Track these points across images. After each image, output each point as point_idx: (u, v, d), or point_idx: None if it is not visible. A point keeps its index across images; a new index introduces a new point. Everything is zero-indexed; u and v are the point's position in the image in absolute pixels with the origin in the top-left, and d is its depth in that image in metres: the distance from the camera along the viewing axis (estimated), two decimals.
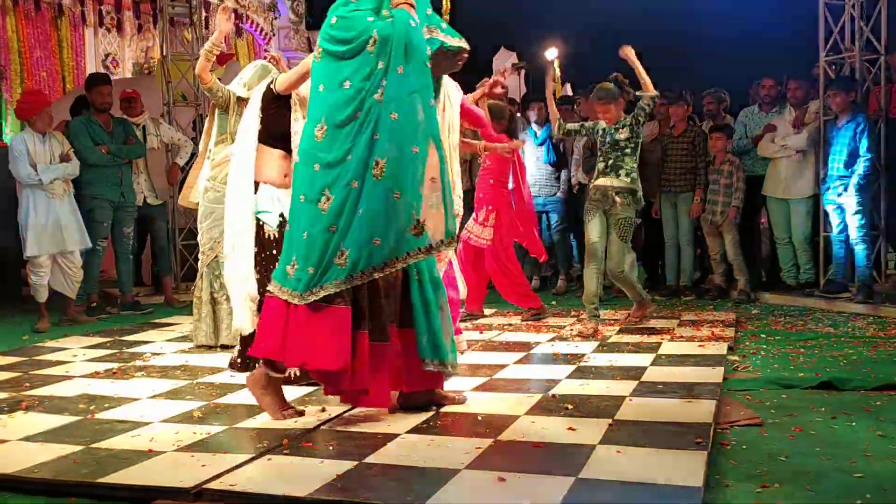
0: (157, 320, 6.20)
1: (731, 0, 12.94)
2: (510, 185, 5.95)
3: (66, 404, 3.64)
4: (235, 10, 11.62)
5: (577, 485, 2.48)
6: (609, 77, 5.24)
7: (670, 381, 3.78)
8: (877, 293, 5.95)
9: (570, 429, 3.05)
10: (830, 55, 6.48)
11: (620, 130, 5.14)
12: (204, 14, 9.24)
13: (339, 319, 3.12)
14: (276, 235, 3.87)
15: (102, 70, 9.74)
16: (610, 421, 3.14)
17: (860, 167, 5.95)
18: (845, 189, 6.00)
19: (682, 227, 6.86)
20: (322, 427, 3.20)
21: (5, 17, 9.08)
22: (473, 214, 5.87)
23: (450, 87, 4.40)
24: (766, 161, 6.66)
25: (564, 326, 5.46)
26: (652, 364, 4.20)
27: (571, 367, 4.17)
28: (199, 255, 4.91)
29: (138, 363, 4.57)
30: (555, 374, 4.02)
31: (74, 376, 4.25)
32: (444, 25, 3.34)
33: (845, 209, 6.04)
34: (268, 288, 3.29)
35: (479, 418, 3.25)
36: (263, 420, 3.33)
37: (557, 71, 5.54)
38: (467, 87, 5.45)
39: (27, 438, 3.13)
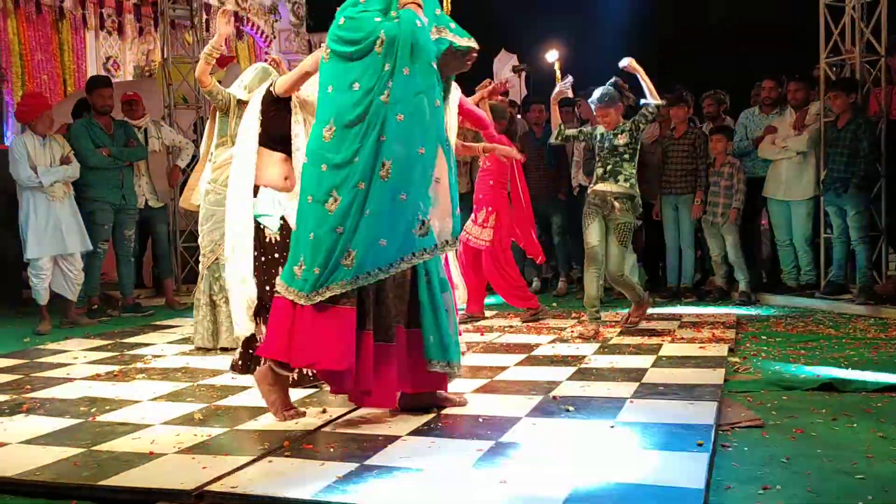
0: (158, 322, 6.21)
1: (731, 0, 12.94)
2: (508, 187, 5.96)
3: (67, 407, 3.65)
4: (236, 13, 11.64)
5: (578, 486, 2.47)
6: (608, 81, 5.24)
7: (671, 383, 3.78)
8: (877, 294, 5.95)
9: (570, 430, 3.05)
10: (831, 57, 6.48)
11: (619, 136, 5.14)
12: (205, 16, 9.26)
13: (344, 320, 3.14)
14: (278, 238, 3.87)
15: (103, 73, 9.75)
16: (611, 423, 3.14)
17: (860, 168, 5.94)
18: (845, 190, 5.99)
19: (683, 229, 6.86)
20: (323, 429, 3.20)
21: (6, 20, 9.09)
22: (472, 216, 5.87)
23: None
24: (766, 163, 6.66)
25: (565, 328, 5.45)
26: (653, 366, 4.20)
27: (572, 369, 4.16)
28: (200, 258, 4.92)
29: (139, 365, 4.58)
30: (556, 375, 4.02)
31: (75, 378, 4.25)
32: (453, 25, 3.33)
33: (846, 210, 6.04)
34: (276, 288, 3.31)
35: (480, 420, 3.25)
36: (264, 422, 3.33)
37: (559, 73, 5.52)
38: (468, 88, 5.46)
39: (28, 441, 3.14)
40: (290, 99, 3.95)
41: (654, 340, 4.91)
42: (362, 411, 3.42)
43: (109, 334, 5.68)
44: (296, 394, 3.74)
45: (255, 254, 3.88)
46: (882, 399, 3.53)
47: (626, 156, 5.14)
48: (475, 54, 3.36)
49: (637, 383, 3.81)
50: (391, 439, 3.00)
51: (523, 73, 11.32)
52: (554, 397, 3.58)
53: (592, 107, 5.31)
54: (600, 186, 5.19)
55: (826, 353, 4.50)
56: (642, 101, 5.09)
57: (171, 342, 5.31)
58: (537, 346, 4.87)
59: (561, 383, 3.85)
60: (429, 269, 3.30)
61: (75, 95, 8.51)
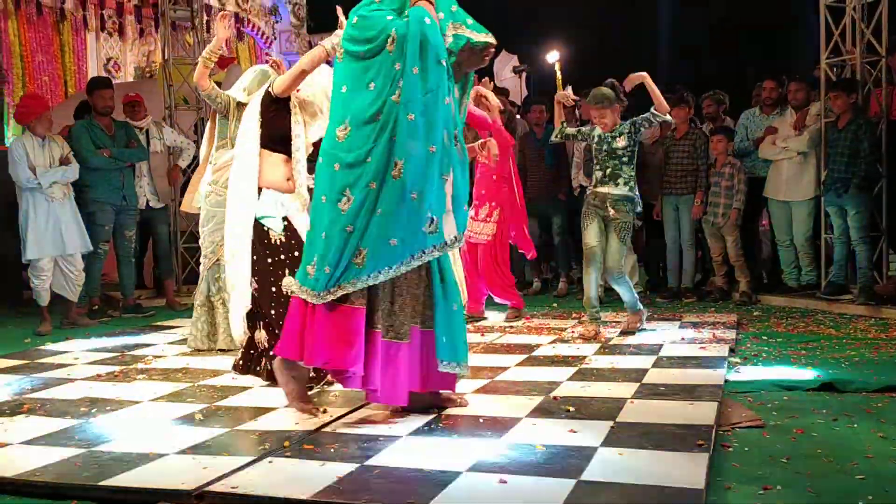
0: (158, 323, 6.21)
1: (731, 1, 12.94)
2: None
3: (68, 407, 3.65)
4: (237, 14, 11.65)
5: (578, 487, 2.47)
6: (605, 82, 5.23)
7: (672, 383, 3.78)
8: (878, 295, 5.95)
9: (571, 431, 3.05)
10: (831, 57, 6.48)
11: (618, 139, 5.13)
12: (205, 18, 9.26)
13: (354, 319, 3.16)
14: (282, 240, 3.87)
15: (104, 74, 9.75)
16: (611, 423, 3.14)
17: (861, 169, 5.94)
18: (846, 190, 5.99)
19: (684, 230, 6.86)
20: (324, 429, 3.19)
21: (7, 21, 9.09)
22: (472, 212, 5.87)
23: None
24: (767, 163, 6.67)
25: (566, 329, 5.45)
26: (653, 366, 4.20)
27: (573, 370, 4.16)
28: (201, 259, 4.92)
29: (140, 366, 4.58)
30: (556, 376, 4.02)
31: (76, 379, 4.25)
32: (470, 21, 3.33)
33: (846, 210, 6.04)
34: (291, 288, 3.32)
35: (481, 420, 3.25)
36: (265, 422, 3.33)
37: (559, 74, 5.53)
38: None
39: (29, 442, 3.14)
40: (289, 99, 3.96)
41: (655, 341, 4.90)
42: (363, 412, 3.42)
43: (110, 335, 5.68)
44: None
45: (256, 257, 3.87)
46: (882, 399, 3.53)
47: (625, 158, 5.13)
48: (493, 49, 3.36)
49: (637, 383, 3.80)
50: (391, 439, 3.00)
51: (524, 74, 11.33)
52: (554, 398, 3.58)
53: (590, 108, 5.31)
54: (600, 189, 5.19)
55: (826, 353, 4.50)
56: (652, 110, 5.05)
57: (171, 343, 5.32)
58: (538, 346, 4.87)
59: (561, 384, 3.85)
60: (443, 268, 3.32)
61: (76, 97, 8.51)
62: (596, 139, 5.24)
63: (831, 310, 6.01)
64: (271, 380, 3.94)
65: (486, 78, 6.14)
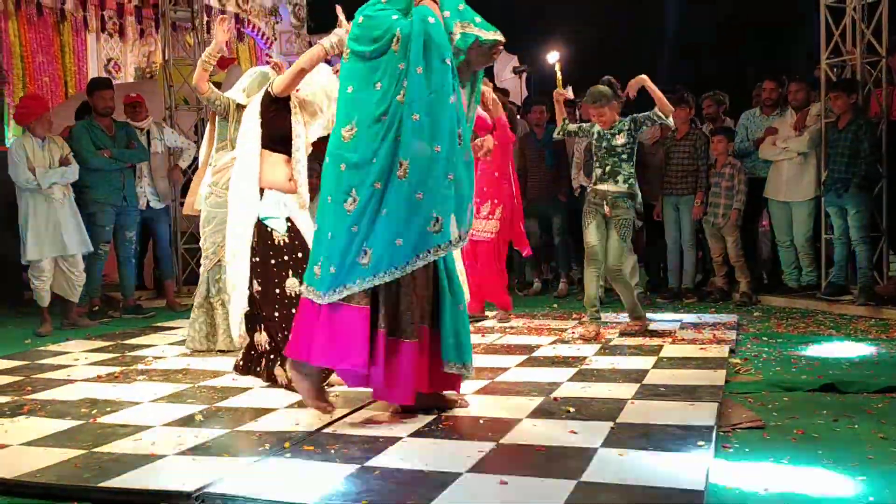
0: (158, 324, 6.21)
1: (731, 3, 12.93)
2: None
3: (68, 408, 3.65)
4: (237, 15, 11.65)
5: (579, 488, 2.48)
6: (602, 79, 5.23)
7: (672, 384, 3.78)
8: (878, 295, 5.95)
9: (571, 432, 3.05)
10: (832, 58, 6.48)
11: (617, 136, 5.13)
12: (205, 18, 9.26)
13: (359, 319, 3.17)
14: (286, 241, 3.87)
15: (104, 75, 9.76)
16: (612, 424, 3.14)
17: (861, 169, 5.94)
18: (846, 190, 5.99)
19: (685, 230, 6.86)
20: (324, 430, 3.19)
21: (8, 22, 9.09)
22: (474, 210, 5.87)
23: None
24: (767, 164, 6.67)
25: (566, 329, 5.45)
26: (654, 367, 4.20)
27: (573, 370, 4.16)
28: (202, 260, 4.92)
29: (140, 367, 4.58)
30: (556, 377, 4.02)
31: (76, 380, 4.25)
32: (479, 20, 3.33)
33: (846, 210, 6.03)
34: (296, 289, 3.33)
35: (481, 422, 3.25)
36: (265, 423, 3.33)
37: (559, 75, 5.52)
38: None
39: (29, 443, 3.14)
40: (289, 99, 3.96)
41: (655, 341, 4.90)
42: (363, 413, 3.42)
43: (110, 336, 5.68)
44: (297, 395, 3.75)
45: (260, 258, 3.87)
46: (883, 400, 3.53)
47: (625, 156, 5.14)
48: (501, 47, 3.36)
49: (638, 384, 3.80)
50: (392, 441, 3.00)
51: (524, 75, 11.33)
52: (555, 398, 3.58)
53: (588, 107, 5.31)
54: (600, 187, 5.20)
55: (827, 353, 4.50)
56: (655, 109, 5.05)
57: (171, 343, 5.31)
58: (538, 347, 4.86)
59: (562, 384, 3.85)
60: (449, 269, 3.33)
61: (76, 97, 8.51)
62: (595, 136, 5.25)
63: (831, 310, 6.00)
64: (271, 381, 3.95)
65: (485, 79, 6.14)
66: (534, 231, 7.59)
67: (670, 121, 5.15)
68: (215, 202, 4.72)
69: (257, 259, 3.90)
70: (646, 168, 6.89)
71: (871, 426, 3.13)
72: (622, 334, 5.21)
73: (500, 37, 3.32)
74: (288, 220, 3.89)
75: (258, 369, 4.01)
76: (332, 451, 2.92)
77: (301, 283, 3.80)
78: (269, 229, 3.86)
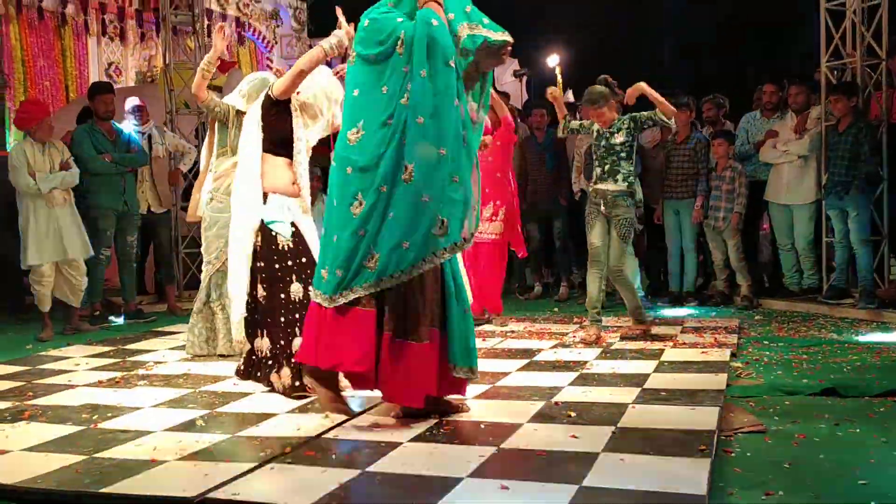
0: (159, 329, 6.20)
1: (731, 9, 12.94)
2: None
3: (69, 414, 3.64)
4: (238, 18, 11.67)
5: (580, 493, 2.47)
6: (598, 79, 5.24)
7: (673, 388, 3.77)
8: (878, 298, 5.95)
9: (573, 436, 3.04)
10: (832, 60, 6.49)
11: (616, 134, 5.15)
12: (206, 22, 9.27)
13: (365, 322, 3.18)
14: (290, 246, 3.86)
15: (105, 79, 9.77)
16: (613, 428, 3.14)
17: (862, 171, 5.94)
18: (847, 193, 5.99)
19: (685, 234, 6.86)
20: (325, 435, 3.19)
21: (9, 26, 9.10)
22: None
23: None
24: (768, 167, 6.67)
25: (567, 333, 5.45)
26: (655, 371, 4.20)
27: (574, 375, 4.16)
28: (204, 266, 4.90)
29: (141, 372, 4.57)
30: (557, 381, 4.01)
31: (77, 385, 4.25)
32: (486, 21, 3.33)
33: (847, 212, 6.03)
34: (311, 293, 3.34)
35: (482, 426, 3.25)
36: (266, 428, 3.33)
37: (560, 77, 5.53)
38: None
39: (30, 448, 3.13)
40: (289, 102, 3.96)
41: (656, 345, 4.90)
42: (364, 418, 3.42)
43: (111, 341, 5.68)
44: (300, 400, 3.75)
45: (264, 263, 3.86)
46: (885, 404, 3.52)
47: (623, 154, 5.15)
48: (510, 48, 3.36)
49: (639, 388, 3.80)
50: (393, 446, 3.00)
51: (524, 78, 11.34)
52: (556, 403, 3.57)
53: (587, 108, 5.32)
54: (600, 186, 5.22)
55: (828, 357, 4.49)
56: (659, 114, 5.05)
57: (172, 348, 5.31)
58: (539, 351, 4.86)
59: (563, 389, 3.85)
60: (455, 272, 3.33)
61: (78, 101, 8.52)
62: (595, 134, 5.27)
63: (833, 314, 6.00)
64: (271, 386, 3.94)
65: None
66: (534, 235, 7.59)
67: (672, 122, 5.15)
68: (216, 207, 4.72)
69: (262, 264, 3.89)
70: (646, 172, 6.89)
71: (873, 430, 3.13)
72: (623, 338, 5.20)
73: (508, 38, 3.32)
74: (292, 224, 3.89)
75: (259, 374, 4.01)
76: (333, 457, 2.91)
77: (304, 288, 3.81)
78: (273, 234, 3.85)
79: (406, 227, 3.13)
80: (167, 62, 8.15)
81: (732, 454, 2.89)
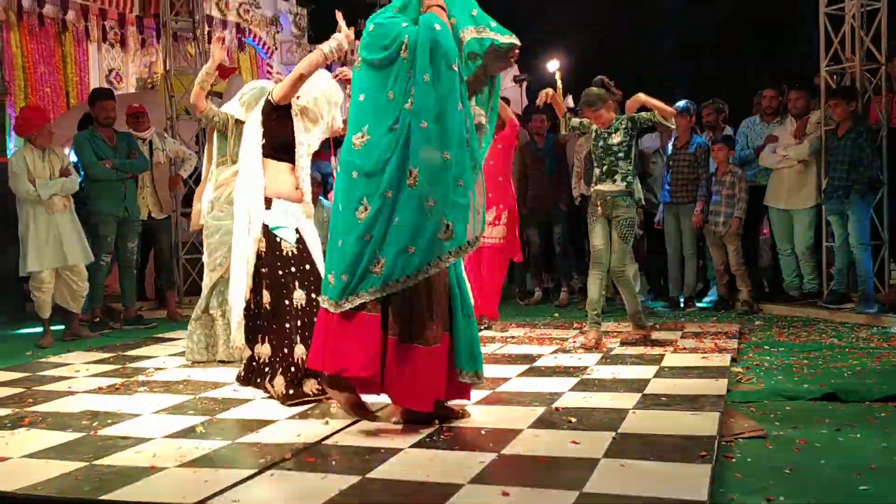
0: (160, 335, 6.20)
1: (731, 9, 12.95)
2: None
3: (69, 420, 3.64)
4: (238, 24, 11.70)
5: (581, 499, 2.47)
6: (594, 80, 5.25)
7: (674, 394, 3.77)
8: (879, 302, 5.94)
9: (573, 442, 3.04)
10: (831, 65, 6.49)
11: (613, 135, 5.17)
12: (207, 29, 9.29)
13: (370, 327, 3.18)
14: (294, 252, 3.85)
15: (106, 85, 9.79)
16: (613, 434, 3.13)
17: (863, 176, 5.95)
18: (847, 196, 6.00)
19: (685, 239, 6.87)
20: (325, 441, 3.19)
21: (10, 33, 9.13)
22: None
23: None
24: (768, 171, 6.67)
25: (567, 339, 5.45)
26: (655, 376, 4.19)
27: (574, 380, 4.16)
28: (207, 273, 4.89)
29: (141, 378, 4.57)
30: (558, 386, 4.01)
31: (77, 392, 4.25)
32: (494, 24, 3.34)
33: (848, 216, 6.02)
34: (312, 298, 3.34)
35: (483, 432, 3.24)
36: (266, 434, 3.32)
37: (559, 82, 5.55)
38: None
39: (30, 455, 3.13)
40: (290, 107, 3.96)
41: (657, 351, 4.90)
42: (364, 424, 3.41)
43: (111, 347, 5.68)
44: (299, 407, 3.74)
45: (268, 269, 3.86)
46: (886, 409, 3.52)
47: (621, 154, 5.16)
48: (517, 51, 3.36)
49: (639, 394, 3.80)
50: (393, 452, 3.00)
51: (524, 84, 11.35)
52: (556, 409, 3.57)
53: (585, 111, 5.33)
54: (600, 187, 5.25)
55: (829, 362, 4.49)
56: (659, 118, 5.07)
57: (172, 355, 5.31)
58: (539, 356, 4.86)
59: (563, 394, 3.84)
60: (459, 277, 3.33)
61: (78, 108, 8.53)
62: (594, 135, 5.29)
63: (833, 318, 6.00)
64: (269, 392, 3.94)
65: None
66: (534, 240, 7.60)
67: (672, 122, 5.15)
68: (217, 216, 4.73)
69: (265, 269, 3.88)
70: (647, 177, 6.90)
71: (874, 435, 3.12)
72: (623, 343, 5.20)
73: (515, 40, 3.33)
74: (296, 231, 3.89)
75: (258, 381, 4.01)
76: (334, 463, 2.91)
77: (308, 295, 3.81)
78: (278, 239, 3.85)
79: (411, 232, 3.13)
80: (168, 68, 8.16)
81: (733, 459, 2.89)
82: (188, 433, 3.38)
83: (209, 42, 8.91)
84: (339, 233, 3.25)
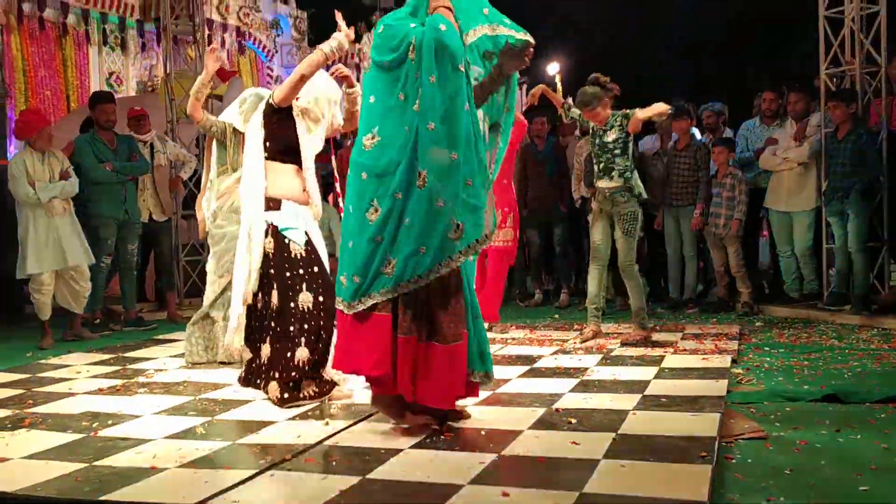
0: (160, 336, 6.20)
1: (732, 13, 12.95)
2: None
3: (70, 422, 3.64)
4: (238, 28, 11.71)
5: (581, 499, 2.47)
6: (588, 79, 5.27)
7: (674, 395, 3.77)
8: (872, 303, 5.95)
9: (573, 443, 3.04)
10: (831, 68, 6.50)
11: (609, 132, 5.19)
12: (207, 32, 9.30)
13: (381, 326, 3.18)
14: (303, 254, 3.85)
15: (106, 88, 9.80)
16: (614, 435, 3.13)
17: (862, 178, 5.95)
18: (847, 197, 6.00)
19: (685, 241, 6.87)
20: (325, 442, 3.19)
21: (10, 36, 9.14)
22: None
23: None
24: (768, 174, 6.68)
25: (567, 340, 5.45)
26: (655, 377, 4.19)
27: (575, 381, 4.16)
28: (208, 280, 4.87)
29: (141, 379, 4.57)
30: (558, 387, 4.01)
31: (77, 393, 4.25)
32: (508, 21, 3.33)
33: (848, 215, 6.03)
34: (319, 301, 3.34)
35: (483, 433, 3.24)
36: (266, 435, 3.32)
37: (559, 85, 5.56)
38: None
39: (30, 456, 3.13)
40: (291, 109, 3.96)
41: (657, 352, 4.90)
42: (365, 424, 3.41)
43: (111, 348, 5.68)
44: (300, 407, 3.74)
45: (275, 270, 3.85)
46: (886, 410, 3.52)
47: (617, 150, 5.19)
48: (532, 49, 3.35)
49: (640, 395, 3.80)
50: (393, 452, 2.99)
51: (524, 86, 11.35)
52: (556, 409, 3.57)
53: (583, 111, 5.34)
54: (600, 184, 5.29)
55: (829, 363, 4.49)
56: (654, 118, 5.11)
57: (173, 356, 5.31)
58: (539, 357, 4.86)
59: (563, 395, 3.84)
60: (468, 277, 3.33)
61: (78, 111, 8.54)
62: (591, 131, 5.34)
63: (833, 320, 6.00)
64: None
65: None
66: (535, 241, 7.60)
67: (667, 109, 5.14)
68: (220, 225, 4.74)
69: (272, 271, 3.86)
70: (647, 179, 6.90)
71: (874, 437, 3.12)
72: (624, 344, 5.20)
73: (529, 38, 3.32)
74: (306, 233, 3.89)
75: (259, 382, 4.00)
76: (334, 464, 2.91)
77: (315, 297, 3.81)
78: (287, 241, 3.85)
79: (422, 232, 3.13)
80: (168, 72, 8.18)
81: (733, 461, 2.89)
82: (188, 434, 3.38)
83: (209, 45, 8.94)
84: (350, 234, 3.25)
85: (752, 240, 7.05)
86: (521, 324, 6.28)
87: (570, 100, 5.40)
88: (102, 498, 2.63)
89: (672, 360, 4.62)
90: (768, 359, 4.69)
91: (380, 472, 2.78)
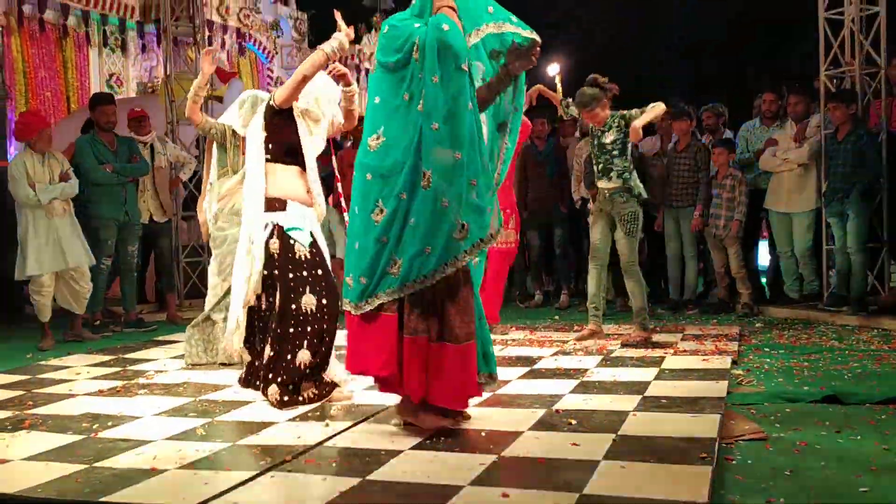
0: (160, 338, 6.20)
1: (731, 13, 12.95)
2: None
3: (70, 423, 3.64)
4: (238, 29, 11.71)
5: (581, 501, 2.46)
6: (586, 79, 5.27)
7: (674, 396, 3.77)
8: (871, 304, 5.96)
9: (573, 444, 3.04)
10: (831, 69, 6.51)
11: (607, 133, 5.20)
12: (207, 33, 9.31)
13: (387, 327, 3.19)
14: (307, 256, 3.84)
15: (107, 90, 9.81)
16: (614, 436, 3.13)
17: (862, 179, 5.95)
18: (847, 198, 6.00)
19: (686, 242, 6.87)
20: (325, 443, 3.19)
21: (10, 38, 9.14)
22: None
23: None
24: (768, 175, 6.68)
25: (567, 341, 5.45)
26: (655, 378, 4.19)
27: (575, 382, 4.16)
28: (209, 283, 4.87)
29: (141, 381, 4.57)
30: (558, 389, 4.01)
31: (77, 394, 4.25)
32: (514, 19, 3.33)
33: (848, 216, 6.03)
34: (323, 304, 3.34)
35: (483, 434, 3.24)
36: (266, 436, 3.32)
37: (559, 86, 5.54)
38: None
39: (30, 457, 3.13)
40: (291, 110, 3.96)
41: (657, 353, 4.90)
42: (365, 426, 3.41)
43: (112, 350, 5.68)
44: (300, 408, 3.74)
45: (279, 271, 3.84)
46: (886, 411, 3.51)
47: (616, 151, 5.20)
48: (539, 48, 3.33)
49: (640, 396, 3.79)
50: (393, 454, 2.99)
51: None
52: (556, 410, 3.57)
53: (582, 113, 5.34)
54: (599, 185, 5.31)
55: (829, 364, 4.49)
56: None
57: (173, 357, 5.31)
58: (540, 359, 4.86)
59: (563, 396, 3.84)
60: (473, 279, 3.33)
61: (79, 112, 8.54)
62: (589, 133, 5.37)
63: (833, 321, 6.00)
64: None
65: None
66: (535, 243, 7.60)
67: (662, 106, 5.15)
68: (221, 227, 4.74)
69: (277, 272, 3.86)
70: (647, 180, 6.90)
71: (875, 437, 3.12)
72: (624, 346, 5.20)
73: (535, 36, 3.32)
74: (311, 234, 3.89)
75: (258, 383, 4.00)
76: (334, 465, 2.91)
77: (318, 300, 3.82)
78: (292, 241, 3.84)
79: (427, 233, 3.13)
80: (168, 73, 8.18)
81: (733, 462, 2.89)
82: (188, 435, 3.38)
83: (210, 46, 8.95)
84: (356, 235, 3.25)
85: (752, 241, 7.04)
86: (521, 325, 6.28)
87: (569, 99, 5.40)
88: (102, 499, 2.63)
89: (672, 362, 4.62)
90: (768, 360, 4.69)
91: (380, 474, 2.78)
